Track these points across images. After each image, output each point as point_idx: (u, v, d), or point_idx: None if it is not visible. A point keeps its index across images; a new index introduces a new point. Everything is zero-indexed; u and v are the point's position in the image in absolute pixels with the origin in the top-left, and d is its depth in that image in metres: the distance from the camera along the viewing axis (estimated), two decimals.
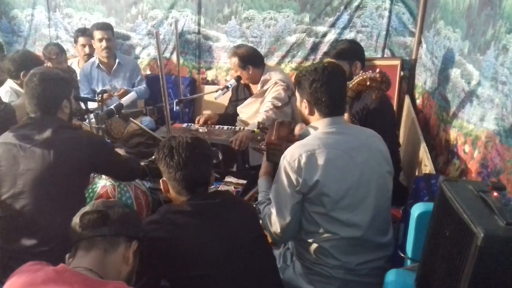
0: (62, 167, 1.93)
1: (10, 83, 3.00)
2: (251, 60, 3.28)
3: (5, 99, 2.84)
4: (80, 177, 2.03)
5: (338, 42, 3.09)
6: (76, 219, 1.34)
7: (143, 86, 3.98)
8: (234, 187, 2.66)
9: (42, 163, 1.92)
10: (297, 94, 1.93)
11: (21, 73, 2.89)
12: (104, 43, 3.78)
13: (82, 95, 3.64)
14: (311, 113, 1.85)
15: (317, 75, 1.79)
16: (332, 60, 2.65)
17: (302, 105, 1.88)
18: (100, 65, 3.88)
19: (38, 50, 4.58)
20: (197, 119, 3.46)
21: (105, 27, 3.81)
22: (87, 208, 1.37)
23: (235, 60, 3.25)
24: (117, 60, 3.90)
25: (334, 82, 1.81)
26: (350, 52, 2.68)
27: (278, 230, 1.80)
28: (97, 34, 3.78)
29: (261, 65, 3.34)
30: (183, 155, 1.57)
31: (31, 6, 4.73)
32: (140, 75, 4.05)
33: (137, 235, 1.40)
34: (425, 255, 1.29)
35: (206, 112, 3.56)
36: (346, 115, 2.12)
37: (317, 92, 1.79)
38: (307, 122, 1.92)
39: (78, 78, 3.89)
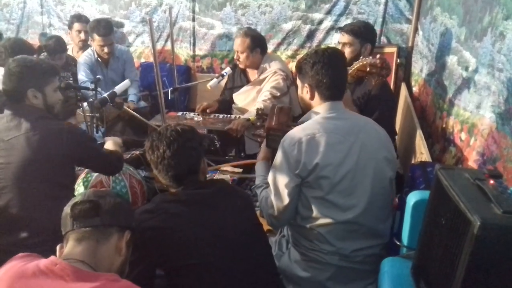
0: (42, 160, 1.89)
1: (1, 71, 2.95)
2: (261, 43, 3.28)
3: None
4: (61, 168, 1.98)
5: (356, 21, 3.09)
6: (67, 209, 1.31)
7: (135, 80, 3.89)
8: (230, 176, 2.65)
9: (22, 156, 1.88)
10: (298, 82, 1.93)
11: None
12: (106, 49, 3.66)
13: (82, 83, 3.58)
14: (312, 97, 1.85)
15: (318, 57, 1.81)
16: (345, 34, 2.64)
17: (304, 90, 1.88)
18: (99, 59, 3.79)
19: (30, 38, 4.54)
20: (197, 107, 3.43)
21: (108, 33, 3.61)
22: (78, 198, 1.34)
23: (246, 40, 3.20)
24: (111, 61, 3.81)
25: (335, 63, 1.82)
26: (365, 32, 2.69)
27: (275, 213, 1.80)
28: (99, 41, 3.62)
29: (265, 51, 3.33)
30: (161, 149, 1.57)
31: None
32: (133, 68, 3.97)
33: (130, 225, 1.39)
34: (421, 243, 1.29)
35: (204, 101, 3.53)
36: (349, 99, 2.11)
37: (318, 74, 1.80)
38: (308, 110, 1.92)
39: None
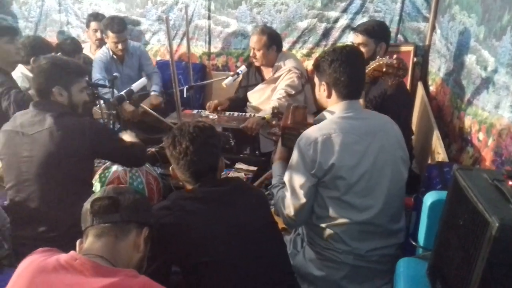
0: (65, 154, 1.94)
1: (21, 68, 3.02)
2: (277, 41, 3.29)
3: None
4: (83, 163, 2.03)
5: (369, 20, 3.06)
6: (87, 205, 1.33)
7: (155, 72, 3.95)
8: (245, 174, 2.66)
9: (44, 150, 1.93)
10: (315, 80, 1.92)
11: (31, 59, 2.90)
12: (120, 46, 3.69)
13: (93, 80, 3.63)
14: (329, 95, 1.84)
15: (336, 55, 1.80)
16: (358, 34, 2.63)
17: (321, 88, 1.87)
18: (114, 56, 3.82)
19: (48, 35, 4.60)
20: (207, 105, 3.45)
21: (121, 29, 3.65)
22: (98, 194, 1.36)
23: (263, 37, 3.20)
24: (126, 57, 3.85)
25: (353, 62, 1.81)
26: (379, 31, 2.68)
27: (292, 213, 1.80)
28: (113, 37, 3.66)
29: (281, 49, 3.33)
30: (183, 145, 1.57)
31: None
32: (150, 61, 4.01)
33: (148, 221, 1.40)
34: (438, 244, 1.28)
35: (219, 99, 3.54)
36: (361, 101, 2.11)
37: (336, 72, 1.79)
38: (324, 109, 1.91)
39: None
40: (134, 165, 2.28)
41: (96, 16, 4.12)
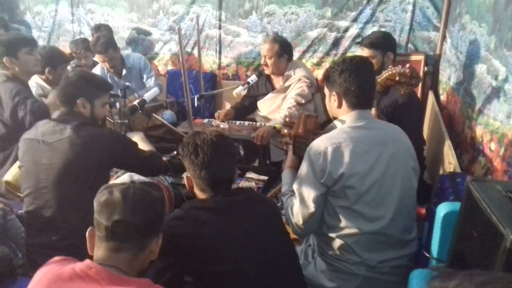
0: (83, 163, 1.96)
1: (36, 78, 3.06)
2: (289, 50, 3.31)
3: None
4: (101, 173, 2.05)
5: (372, 33, 3.07)
6: (105, 222, 1.25)
7: (156, 84, 3.77)
8: (256, 183, 2.67)
9: (63, 159, 1.96)
10: (326, 90, 1.93)
11: (46, 69, 2.94)
12: (107, 64, 3.68)
13: None
14: (340, 105, 1.85)
15: (346, 65, 1.81)
16: (364, 48, 2.64)
17: (332, 99, 1.88)
18: (111, 70, 3.78)
19: (61, 45, 4.67)
20: (216, 114, 3.46)
21: (103, 50, 3.59)
22: (116, 215, 1.25)
23: (275, 46, 3.22)
24: (123, 71, 3.79)
25: (363, 71, 1.82)
26: (384, 42, 2.69)
27: (300, 222, 1.80)
28: (98, 57, 3.66)
29: (292, 58, 3.35)
30: (208, 153, 1.57)
31: (54, 1, 4.82)
32: (151, 73, 3.91)
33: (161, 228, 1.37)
34: (452, 256, 1.28)
35: (224, 109, 3.56)
36: (373, 110, 2.11)
37: (346, 81, 1.79)
38: (335, 119, 1.91)
39: None
40: (151, 175, 2.30)
41: (98, 28, 4.16)
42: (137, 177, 1.40)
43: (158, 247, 1.34)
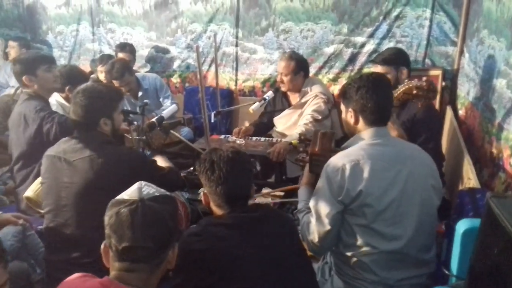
0: (104, 182, 1.96)
1: (56, 96, 3.12)
2: (305, 67, 3.32)
3: None
4: (121, 191, 2.06)
5: (385, 50, 3.07)
6: (116, 245, 1.22)
7: (172, 102, 3.83)
8: (272, 199, 2.66)
9: (84, 178, 1.98)
10: (342, 107, 1.93)
11: (67, 88, 3.00)
12: (123, 89, 3.63)
13: None
14: (357, 122, 1.84)
15: (363, 82, 1.81)
16: (378, 65, 2.65)
17: (348, 115, 1.88)
18: (125, 95, 3.71)
19: (82, 64, 4.78)
20: (234, 131, 3.48)
21: (120, 76, 3.60)
22: (125, 241, 1.21)
23: (291, 63, 3.23)
24: (140, 93, 3.83)
25: (380, 88, 1.82)
26: (397, 58, 2.69)
27: (316, 239, 1.79)
28: (114, 83, 3.65)
29: (308, 75, 3.36)
30: (224, 169, 1.58)
31: (76, 21, 4.94)
32: (167, 93, 3.93)
33: (178, 235, 1.35)
34: (472, 273, 1.25)
35: (246, 124, 3.57)
36: (390, 123, 2.10)
37: (363, 98, 1.79)
38: (352, 135, 1.91)
39: None
40: (170, 190, 2.30)
41: (123, 47, 4.23)
42: (146, 188, 1.36)
43: (175, 256, 1.33)
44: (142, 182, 1.34)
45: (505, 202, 1.15)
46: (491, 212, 1.15)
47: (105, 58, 4.03)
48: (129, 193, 1.29)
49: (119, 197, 1.29)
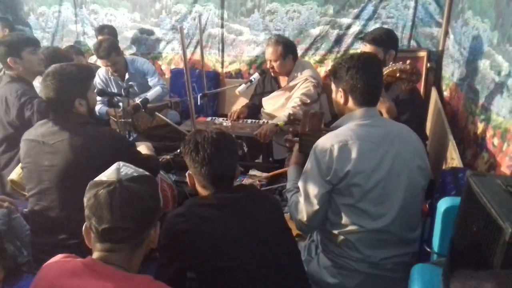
0: (84, 162, 1.95)
1: (39, 79, 3.06)
2: (293, 49, 3.30)
3: None
4: (102, 172, 2.05)
5: (375, 29, 3.06)
6: (96, 227, 1.22)
7: (160, 85, 3.79)
8: (258, 180, 2.67)
9: (65, 160, 1.96)
10: (332, 86, 1.93)
11: None
12: (110, 69, 3.68)
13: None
14: (346, 102, 1.85)
15: (353, 62, 1.81)
16: (367, 44, 2.64)
17: (338, 95, 1.88)
18: (115, 73, 3.77)
19: (65, 46, 4.68)
20: (229, 114, 3.47)
21: (106, 55, 3.57)
22: (105, 223, 1.21)
23: (279, 48, 3.21)
24: (126, 75, 3.77)
25: (370, 68, 1.81)
26: (387, 39, 2.68)
27: (304, 218, 1.81)
28: (101, 62, 3.66)
29: (297, 57, 3.35)
30: (208, 150, 1.58)
31: (58, 2, 4.82)
32: (155, 76, 3.87)
33: (160, 215, 1.34)
34: (453, 250, 1.28)
35: (235, 107, 3.56)
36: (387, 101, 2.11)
37: (352, 78, 1.79)
38: (341, 115, 1.92)
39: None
40: None
41: (101, 30, 4.14)
42: (124, 168, 1.34)
43: (157, 235, 1.33)
44: (121, 162, 1.32)
45: (485, 180, 1.17)
46: (470, 190, 1.17)
47: (69, 49, 3.90)
48: (107, 174, 1.27)
49: (97, 178, 1.28)
